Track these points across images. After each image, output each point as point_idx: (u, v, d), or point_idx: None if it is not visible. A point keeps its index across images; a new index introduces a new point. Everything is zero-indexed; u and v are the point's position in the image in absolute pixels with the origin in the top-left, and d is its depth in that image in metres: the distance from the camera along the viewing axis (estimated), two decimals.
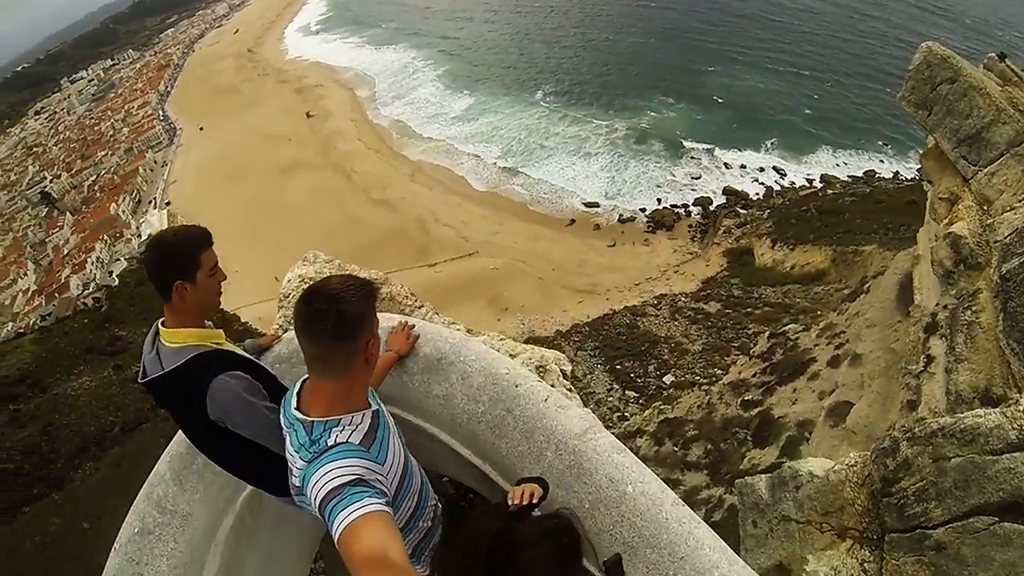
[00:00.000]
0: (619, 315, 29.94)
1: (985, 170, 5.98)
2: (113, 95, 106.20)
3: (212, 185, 57.81)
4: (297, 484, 1.44)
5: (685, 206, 42.77)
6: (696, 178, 45.24)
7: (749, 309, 27.19)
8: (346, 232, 42.77)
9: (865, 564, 3.08)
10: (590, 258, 38.43)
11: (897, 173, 44.78)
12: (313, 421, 1.44)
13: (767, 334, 16.13)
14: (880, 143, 48.55)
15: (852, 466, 3.45)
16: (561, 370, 2.99)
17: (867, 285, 12.48)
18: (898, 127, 48.07)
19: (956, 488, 2.80)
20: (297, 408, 1.51)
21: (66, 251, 60.86)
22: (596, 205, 43.24)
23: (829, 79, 60.72)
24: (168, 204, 59.58)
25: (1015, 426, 2.72)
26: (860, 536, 3.22)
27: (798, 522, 3.60)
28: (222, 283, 1.99)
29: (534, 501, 1.52)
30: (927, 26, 66.91)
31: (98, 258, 55.90)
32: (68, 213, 68.85)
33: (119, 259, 54.34)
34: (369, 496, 1.25)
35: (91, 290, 51.14)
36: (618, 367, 24.32)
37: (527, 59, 70.10)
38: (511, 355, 2.95)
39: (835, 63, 64.38)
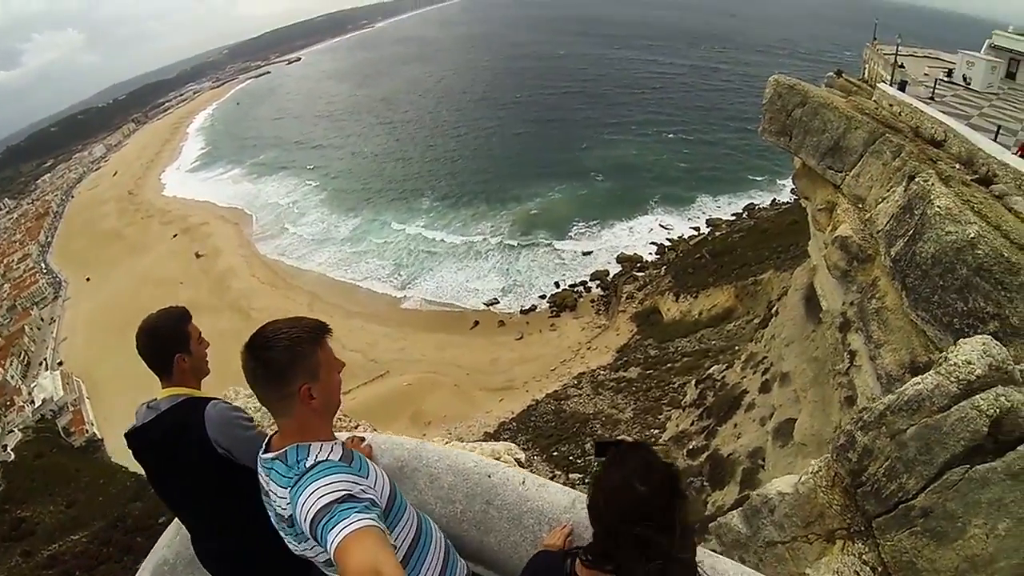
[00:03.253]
0: (543, 403, 29.81)
1: (851, 173, 6.44)
2: None
3: (105, 339, 54.22)
4: (285, 516, 1.45)
5: (584, 283, 43.92)
6: (588, 254, 46.84)
7: (669, 364, 27.53)
8: None
9: (863, 556, 3.09)
10: (501, 355, 38.48)
11: (775, 200, 48.06)
12: (286, 449, 1.48)
13: (694, 382, 16.15)
14: (752, 177, 52.26)
15: (817, 472, 3.50)
16: (515, 459, 3.01)
17: (774, 308, 12.83)
18: (763, 162, 52.05)
19: (920, 454, 2.87)
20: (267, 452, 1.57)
21: None
22: (496, 302, 43.65)
23: (692, 133, 65.76)
24: (61, 364, 55.80)
25: (952, 379, 2.84)
26: (848, 533, 3.24)
27: (783, 543, 3.62)
28: (207, 349, 2.17)
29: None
30: (768, 67, 75.40)
31: None
32: None
33: (12, 431, 49.47)
34: (358, 512, 1.25)
35: None
36: (555, 453, 23.86)
37: (403, 173, 72.25)
38: None
39: (695, 117, 70.01)
